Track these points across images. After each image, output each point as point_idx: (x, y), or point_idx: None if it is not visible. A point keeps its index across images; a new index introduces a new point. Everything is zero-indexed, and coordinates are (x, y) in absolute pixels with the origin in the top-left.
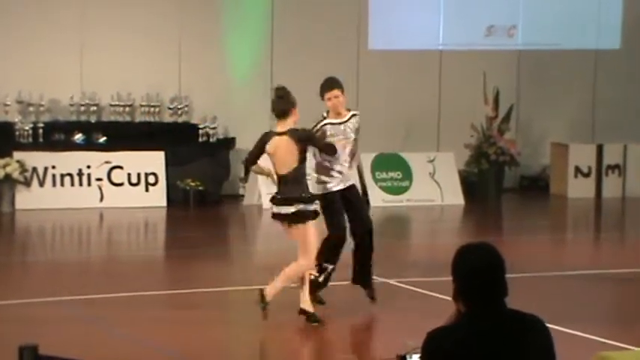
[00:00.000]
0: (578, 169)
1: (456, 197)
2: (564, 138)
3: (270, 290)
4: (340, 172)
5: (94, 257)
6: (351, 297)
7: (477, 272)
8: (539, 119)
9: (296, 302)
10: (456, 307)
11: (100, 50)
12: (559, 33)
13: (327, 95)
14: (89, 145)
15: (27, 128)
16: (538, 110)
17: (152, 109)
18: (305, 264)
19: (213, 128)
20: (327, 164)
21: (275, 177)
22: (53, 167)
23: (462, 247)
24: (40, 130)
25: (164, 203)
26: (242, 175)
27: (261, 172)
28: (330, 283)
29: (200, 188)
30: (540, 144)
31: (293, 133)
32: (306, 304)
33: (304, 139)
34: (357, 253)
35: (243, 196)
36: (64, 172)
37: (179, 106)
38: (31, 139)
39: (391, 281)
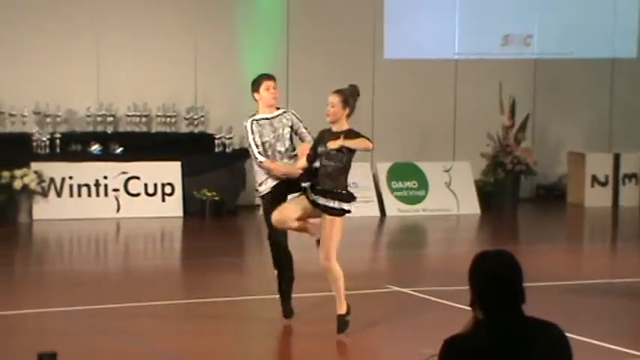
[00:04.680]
0: (595, 178)
1: (472, 207)
2: (581, 147)
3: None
4: None
5: (111, 267)
6: (366, 306)
7: (494, 279)
8: (555, 128)
9: (309, 313)
10: (473, 315)
11: (117, 61)
12: (575, 42)
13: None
14: (106, 156)
15: (44, 139)
16: (554, 119)
17: (168, 119)
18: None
19: (230, 138)
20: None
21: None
22: (70, 178)
23: (479, 254)
24: (57, 141)
25: (180, 213)
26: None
27: None
28: (344, 292)
29: (216, 198)
30: (557, 153)
31: None
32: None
33: None
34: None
35: (259, 206)
36: (81, 182)
37: (195, 117)
38: (48, 150)
39: (407, 290)
